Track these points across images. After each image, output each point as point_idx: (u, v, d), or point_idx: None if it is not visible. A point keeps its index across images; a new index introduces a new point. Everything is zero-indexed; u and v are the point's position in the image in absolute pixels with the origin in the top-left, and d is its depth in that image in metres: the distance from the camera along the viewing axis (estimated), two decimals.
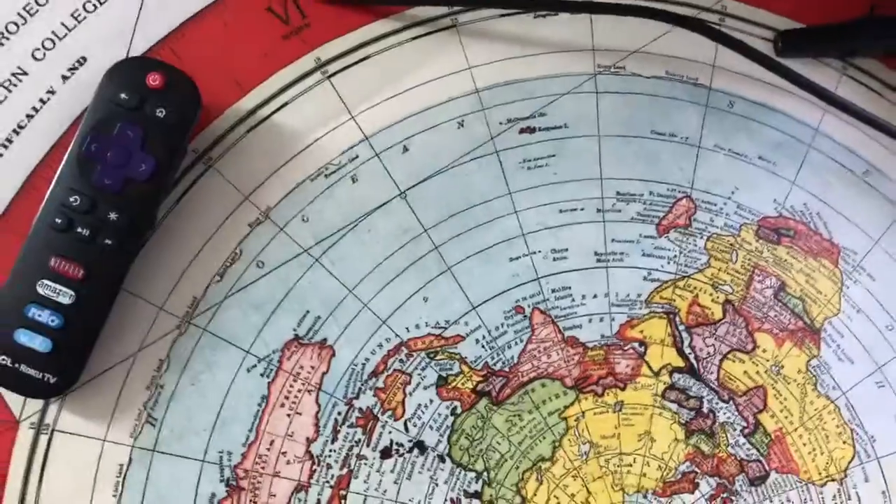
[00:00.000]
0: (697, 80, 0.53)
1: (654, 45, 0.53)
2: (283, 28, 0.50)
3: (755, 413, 0.50)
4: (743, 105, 0.53)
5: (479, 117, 0.51)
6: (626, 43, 0.53)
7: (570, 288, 0.50)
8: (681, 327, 0.50)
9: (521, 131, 0.51)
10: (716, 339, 0.50)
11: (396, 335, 0.49)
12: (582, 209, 0.51)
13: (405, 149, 0.50)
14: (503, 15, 0.52)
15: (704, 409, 0.50)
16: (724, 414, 0.50)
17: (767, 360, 0.50)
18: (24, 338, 0.44)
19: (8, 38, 0.48)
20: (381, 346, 0.48)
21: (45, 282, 0.44)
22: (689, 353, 0.50)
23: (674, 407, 0.50)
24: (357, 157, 0.50)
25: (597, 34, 0.52)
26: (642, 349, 0.50)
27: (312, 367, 0.48)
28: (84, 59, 0.49)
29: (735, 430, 0.50)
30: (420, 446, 0.48)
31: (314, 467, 0.47)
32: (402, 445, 0.48)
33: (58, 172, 0.45)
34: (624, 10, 0.50)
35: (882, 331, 0.51)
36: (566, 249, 0.50)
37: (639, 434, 0.49)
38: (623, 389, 0.49)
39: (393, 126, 0.50)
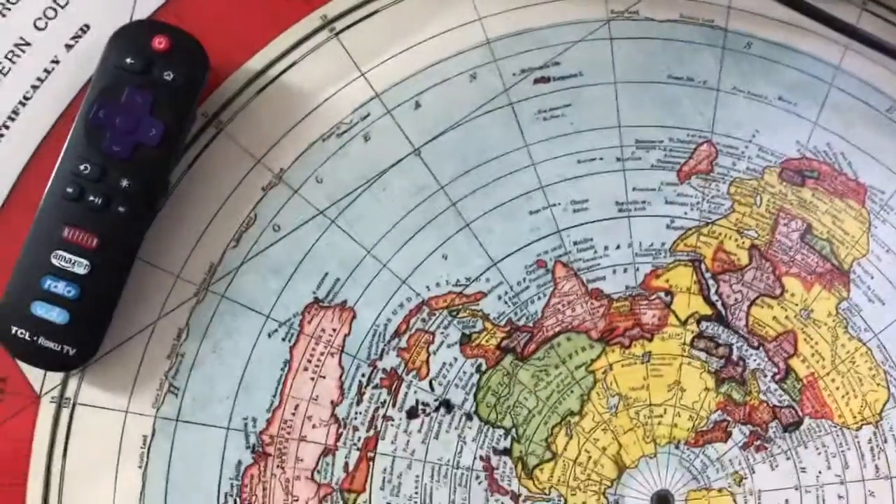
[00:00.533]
0: (713, 22, 0.51)
1: None
2: None
3: (786, 358, 0.49)
4: (761, 46, 0.52)
5: (492, 69, 0.50)
6: None
7: (592, 239, 0.49)
8: (707, 275, 0.49)
9: (536, 81, 0.50)
10: (743, 284, 0.49)
11: (417, 294, 0.48)
12: (601, 159, 0.50)
13: (417, 105, 0.49)
14: None
15: (734, 357, 0.49)
16: (755, 361, 0.49)
17: (796, 305, 0.49)
18: (41, 310, 0.43)
19: (9, 9, 0.47)
20: (402, 305, 0.48)
21: (60, 252, 0.44)
22: (717, 301, 0.49)
23: (703, 356, 0.49)
24: (369, 114, 0.49)
25: None
26: (668, 298, 0.49)
27: (334, 330, 0.47)
28: (87, 26, 0.48)
29: (766, 376, 0.49)
30: (446, 405, 0.47)
31: (340, 430, 0.46)
32: (428, 405, 0.47)
33: (66, 141, 0.44)
34: None
35: None
36: (587, 200, 0.49)
37: (668, 384, 0.48)
38: (650, 340, 0.49)
39: (404, 82, 0.49)
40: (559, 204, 0.49)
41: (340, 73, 0.49)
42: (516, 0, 0.50)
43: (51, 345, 0.44)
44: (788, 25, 0.52)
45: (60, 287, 0.44)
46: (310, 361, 0.47)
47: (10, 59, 0.47)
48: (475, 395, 0.47)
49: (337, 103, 0.49)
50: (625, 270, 0.49)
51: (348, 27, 0.49)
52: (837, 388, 0.49)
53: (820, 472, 0.48)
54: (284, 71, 0.49)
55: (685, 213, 0.50)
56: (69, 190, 0.44)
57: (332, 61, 0.49)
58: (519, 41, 0.50)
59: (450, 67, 0.49)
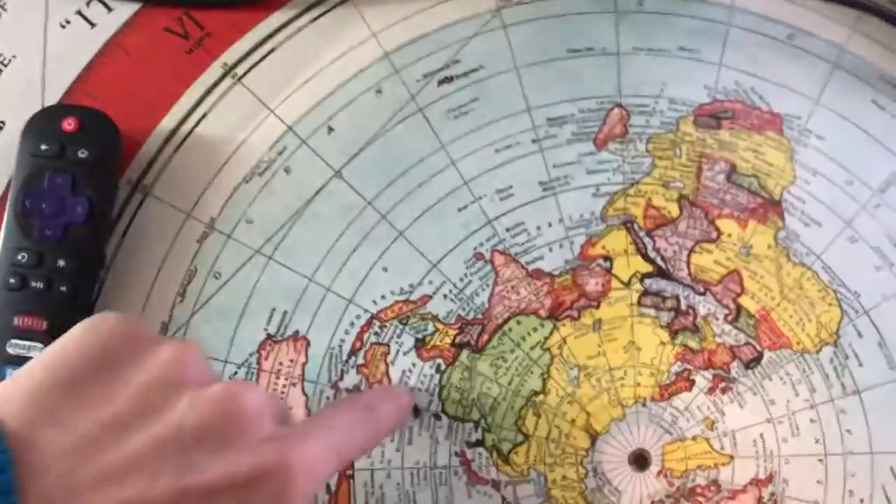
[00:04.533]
0: None
1: None
2: (184, 43, 0.51)
3: (734, 298, 0.50)
4: (653, 2, 0.52)
5: (395, 80, 0.51)
6: None
7: (523, 223, 0.50)
8: (641, 233, 0.50)
9: (440, 83, 0.51)
10: (678, 235, 0.50)
11: (365, 310, 0.49)
12: (517, 143, 0.51)
13: (330, 129, 0.50)
14: None
15: (683, 307, 0.50)
16: (704, 306, 0.50)
17: (735, 244, 0.50)
18: None
19: None
20: (352, 324, 0.49)
21: (14, 341, 0.45)
22: (655, 257, 0.50)
23: (652, 312, 0.50)
24: (285, 148, 0.50)
25: None
26: (608, 264, 0.50)
27: (291, 361, 0.48)
28: (3, 122, 0.50)
29: (718, 319, 0.50)
30: (414, 410, 0.48)
31: None
32: None
33: (1, 236, 0.46)
34: None
35: (842, 187, 0.51)
36: (511, 187, 0.50)
37: (623, 346, 0.49)
38: (598, 307, 0.50)
39: (313, 110, 0.51)
40: (485, 195, 0.50)
41: (251, 114, 0.50)
42: (405, 9, 0.52)
43: None
44: None
45: None
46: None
47: None
48: (440, 395, 0.49)
49: (253, 144, 0.50)
50: (560, 246, 0.50)
51: (249, 70, 0.51)
52: (791, 317, 0.50)
53: (789, 401, 0.49)
54: (197, 124, 0.50)
55: (609, 179, 0.51)
56: (12, 281, 0.46)
57: (240, 105, 0.50)
58: (416, 48, 0.51)
59: (354, 87, 0.51)
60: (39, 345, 0.45)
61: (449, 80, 0.51)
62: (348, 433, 0.37)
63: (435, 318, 0.49)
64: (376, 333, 0.49)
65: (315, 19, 0.51)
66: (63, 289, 0.46)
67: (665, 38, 0.52)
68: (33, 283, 0.46)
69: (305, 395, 0.48)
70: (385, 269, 0.49)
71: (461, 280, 0.50)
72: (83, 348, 0.32)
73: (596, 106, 0.51)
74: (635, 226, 0.50)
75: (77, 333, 0.33)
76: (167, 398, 0.32)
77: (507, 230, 0.50)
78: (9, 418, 0.29)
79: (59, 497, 0.28)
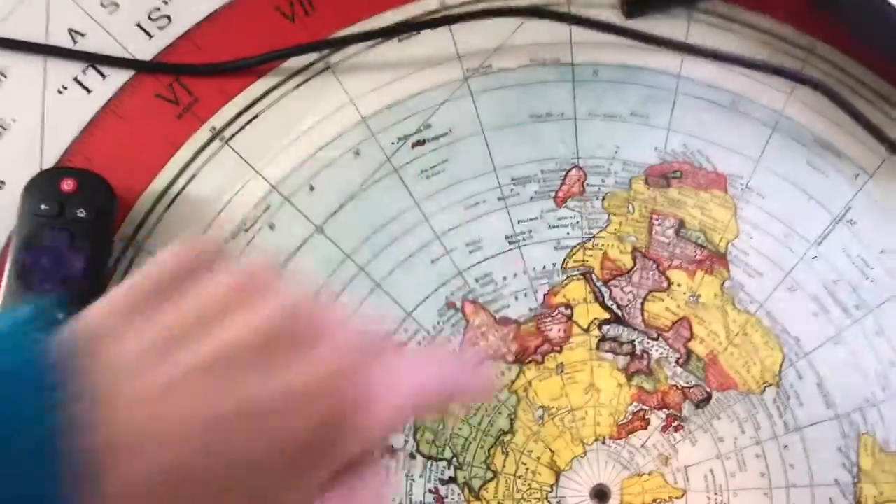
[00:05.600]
0: (560, 60, 0.57)
1: (513, 38, 0.57)
2: (174, 108, 0.55)
3: (685, 343, 0.54)
4: (606, 71, 0.57)
5: (372, 143, 0.55)
6: (488, 43, 0.57)
7: (491, 274, 0.54)
8: (598, 283, 0.55)
9: (413, 145, 0.55)
10: (632, 285, 0.55)
11: None
12: (484, 201, 0.55)
13: (312, 188, 0.54)
14: (370, 46, 0.56)
15: (638, 351, 0.54)
16: (657, 351, 0.54)
17: (684, 293, 0.55)
18: None
19: None
20: None
21: None
22: (612, 305, 0.54)
23: (609, 356, 0.54)
24: (269, 206, 0.54)
25: (459, 42, 0.57)
26: (569, 311, 0.54)
27: None
28: (2, 183, 0.53)
29: (670, 362, 0.54)
30: (390, 450, 0.52)
31: None
32: (372, 454, 0.51)
33: (2, 290, 0.49)
34: (475, 15, 0.55)
35: (781, 240, 0.56)
36: (479, 240, 0.55)
37: (584, 388, 0.53)
38: (560, 352, 0.54)
39: (296, 171, 0.55)
40: (456, 248, 0.54)
41: (237, 174, 0.54)
42: (380, 79, 0.56)
43: None
44: (627, 47, 0.58)
45: None
46: None
47: None
48: (414, 436, 0.52)
49: (239, 202, 0.54)
50: (525, 295, 0.54)
51: (236, 133, 0.55)
52: (737, 360, 0.54)
53: (736, 438, 0.53)
54: (187, 184, 0.54)
55: (568, 234, 0.55)
56: None
57: (227, 166, 0.54)
58: (390, 113, 0.56)
59: (334, 149, 0.55)
60: None
61: (421, 142, 0.56)
62: (429, 387, 0.33)
63: None
64: None
65: (298, 86, 0.55)
66: None
67: (618, 104, 0.57)
68: None
69: None
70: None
71: (434, 327, 0.54)
72: (153, 272, 0.30)
73: (556, 167, 0.56)
74: (593, 276, 0.55)
75: (147, 264, 0.31)
76: (251, 301, 0.30)
77: (477, 280, 0.54)
78: (83, 325, 0.28)
79: (136, 398, 0.27)
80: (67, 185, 0.50)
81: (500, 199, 0.55)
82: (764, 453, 0.53)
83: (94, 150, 0.54)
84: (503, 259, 0.55)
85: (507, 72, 0.57)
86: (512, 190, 0.55)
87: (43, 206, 0.50)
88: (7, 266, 0.50)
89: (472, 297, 0.54)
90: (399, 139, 0.56)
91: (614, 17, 0.58)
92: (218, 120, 0.55)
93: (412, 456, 0.52)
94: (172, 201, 0.53)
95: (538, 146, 0.56)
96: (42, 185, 0.50)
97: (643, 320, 0.54)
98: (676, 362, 0.54)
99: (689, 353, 0.54)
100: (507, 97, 0.57)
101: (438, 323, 0.54)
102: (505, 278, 0.54)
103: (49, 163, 0.53)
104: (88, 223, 0.50)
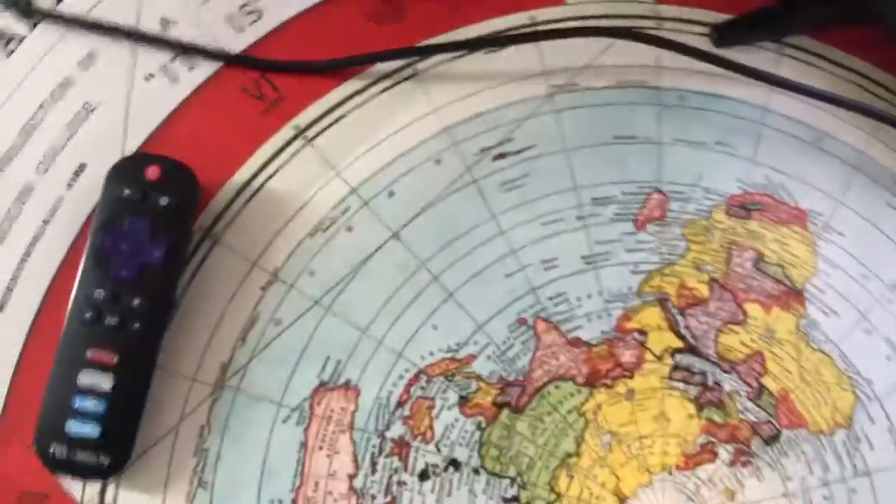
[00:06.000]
0: (647, 83, 0.57)
1: (601, 58, 0.57)
2: (259, 105, 0.55)
3: (757, 377, 0.53)
4: (694, 98, 0.57)
5: (453, 153, 0.55)
6: (575, 61, 0.57)
7: (565, 293, 0.54)
8: (674, 311, 0.54)
9: (494, 158, 0.55)
10: (708, 315, 0.54)
11: (414, 365, 0.52)
12: (563, 219, 0.55)
13: (391, 193, 0.54)
14: (456, 57, 0.56)
15: (710, 383, 0.53)
16: (729, 383, 0.53)
17: (759, 327, 0.54)
18: (75, 427, 0.48)
19: (11, 160, 0.52)
20: (401, 377, 0.52)
21: (86, 372, 0.48)
22: (686, 334, 0.54)
23: (681, 385, 0.53)
24: (349, 208, 0.54)
25: (546, 58, 0.57)
26: (642, 337, 0.53)
27: (342, 409, 0.51)
28: (84, 165, 0.53)
29: (741, 396, 0.53)
30: (454, 464, 0.51)
31: (360, 500, 0.50)
32: (437, 466, 0.51)
33: (79, 271, 0.49)
34: (564, 33, 0.55)
35: (859, 281, 0.55)
36: (555, 258, 0.54)
37: (654, 416, 0.52)
38: (631, 378, 0.53)
39: (376, 175, 0.54)
40: (531, 265, 0.54)
41: (318, 174, 0.54)
42: (465, 89, 0.56)
43: (87, 457, 0.48)
44: (715, 76, 0.57)
45: (90, 404, 0.48)
46: (323, 441, 0.51)
47: (20, 202, 0.52)
48: (479, 451, 0.51)
49: (319, 202, 0.54)
50: (599, 317, 0.54)
51: (319, 133, 0.54)
52: (808, 398, 0.53)
53: (804, 478, 0.52)
54: (267, 180, 0.54)
55: (646, 258, 0.55)
56: (87, 315, 0.48)
57: (309, 165, 0.54)
58: (473, 125, 0.55)
59: (415, 156, 0.55)
60: (110, 378, 0.48)
61: (503, 156, 0.55)
62: None
63: (478, 377, 0.52)
64: (423, 388, 0.52)
65: (384, 91, 0.55)
66: (136, 326, 0.49)
67: (703, 132, 0.57)
68: (108, 320, 0.48)
69: (353, 441, 0.51)
70: (435, 327, 0.53)
71: (504, 343, 0.53)
72: None
73: (637, 190, 0.55)
74: (669, 303, 0.54)
75: None
76: None
77: (550, 298, 0.54)
78: None
79: None
80: (152, 172, 0.50)
81: (578, 218, 0.55)
82: (832, 495, 0.52)
83: (176, 140, 0.53)
84: (578, 279, 0.54)
85: (593, 91, 0.57)
86: (592, 210, 0.55)
87: (126, 192, 0.50)
88: (86, 249, 0.49)
89: (544, 315, 0.53)
90: (481, 151, 0.55)
91: (704, 44, 0.58)
92: (302, 119, 0.55)
93: (476, 471, 0.51)
94: (253, 195, 0.53)
95: (621, 168, 0.56)
96: (127, 170, 0.50)
97: (716, 352, 0.54)
98: (748, 396, 0.53)
99: (762, 388, 0.53)
100: (591, 116, 0.56)
101: (508, 339, 0.53)
102: (579, 298, 0.54)
103: (131, 149, 0.53)
104: (170, 212, 0.50)
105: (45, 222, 0.52)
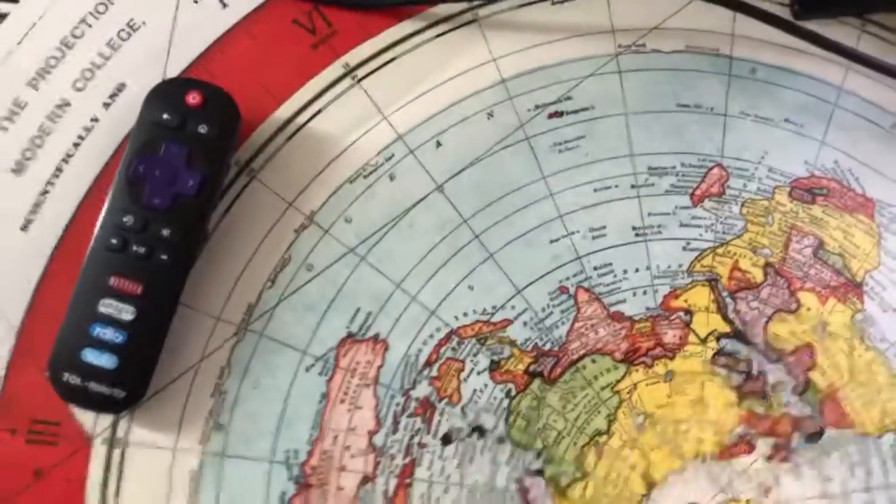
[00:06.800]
0: (718, 51, 0.54)
1: (672, 20, 0.54)
2: (310, 38, 0.52)
3: (805, 371, 0.51)
4: (765, 70, 0.54)
5: (508, 106, 0.52)
6: (644, 21, 0.54)
7: (611, 264, 0.51)
8: (724, 293, 0.51)
9: (550, 116, 0.52)
10: (759, 301, 0.51)
11: (446, 324, 0.50)
12: (616, 186, 0.52)
13: (438, 144, 0.51)
14: (522, 5, 0.53)
15: (754, 372, 0.50)
16: (775, 374, 0.50)
17: (812, 318, 0.51)
18: (91, 356, 0.46)
19: (49, 72, 0.50)
20: (431, 336, 0.50)
21: (107, 300, 0.46)
22: (734, 318, 0.51)
23: (724, 372, 0.50)
24: (393, 155, 0.51)
25: (615, 15, 0.53)
26: (688, 318, 0.51)
27: (368, 362, 0.49)
28: (123, 85, 0.51)
29: (786, 389, 0.50)
30: (479, 430, 0.49)
31: (378, 459, 0.48)
32: (461, 430, 0.49)
33: (109, 195, 0.47)
34: None
35: None
36: (604, 227, 0.51)
37: (692, 401, 0.50)
38: (672, 359, 0.50)
39: (425, 123, 0.52)
40: (578, 231, 0.51)
41: (364, 117, 0.51)
42: (527, 40, 0.53)
43: (101, 389, 0.46)
44: (791, 50, 0.54)
45: (108, 333, 0.46)
46: (346, 394, 0.49)
47: (52, 120, 0.50)
48: (506, 420, 0.49)
49: (362, 146, 0.51)
50: (644, 293, 0.51)
51: (369, 74, 0.52)
52: (857, 398, 0.50)
53: (845, 481, 0.50)
54: (311, 118, 0.51)
55: (700, 235, 0.52)
56: (113, 241, 0.46)
57: (355, 107, 0.51)
58: (532, 79, 0.52)
59: (467, 107, 0.52)
60: (132, 308, 0.46)
61: (559, 114, 0.52)
62: None
63: (512, 343, 0.50)
64: (454, 349, 0.50)
65: (441, 35, 0.52)
66: (163, 257, 0.47)
67: (772, 108, 0.53)
68: (134, 248, 0.46)
69: (377, 397, 0.49)
70: (471, 287, 0.50)
71: (543, 310, 0.50)
72: None
73: (697, 162, 0.52)
74: (719, 285, 0.51)
75: None
76: None
77: (595, 269, 0.51)
78: None
79: None
80: (193, 98, 0.48)
81: (633, 186, 0.52)
82: (873, 502, 0.49)
83: (220, 67, 0.51)
84: (627, 251, 0.51)
85: (660, 54, 0.53)
86: (647, 179, 0.52)
87: (165, 116, 0.47)
88: (117, 172, 0.47)
89: (587, 286, 0.51)
90: (537, 107, 0.52)
91: (783, 15, 0.54)
92: (353, 57, 0.52)
93: (500, 440, 0.49)
94: (294, 133, 0.51)
95: (682, 137, 0.53)
96: (167, 93, 0.48)
97: (765, 340, 0.51)
98: (793, 390, 0.50)
99: (808, 382, 0.50)
100: (656, 80, 0.53)
101: (547, 306, 0.51)
102: (625, 271, 0.51)
103: (173, 72, 0.51)
104: (209, 141, 0.47)
105: (80, 140, 0.50)
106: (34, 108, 0.50)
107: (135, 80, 0.50)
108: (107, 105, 0.50)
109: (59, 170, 0.49)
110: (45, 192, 0.49)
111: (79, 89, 0.50)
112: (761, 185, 0.52)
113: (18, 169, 0.49)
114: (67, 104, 0.50)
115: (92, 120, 0.50)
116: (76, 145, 0.50)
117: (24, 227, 0.49)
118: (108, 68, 0.51)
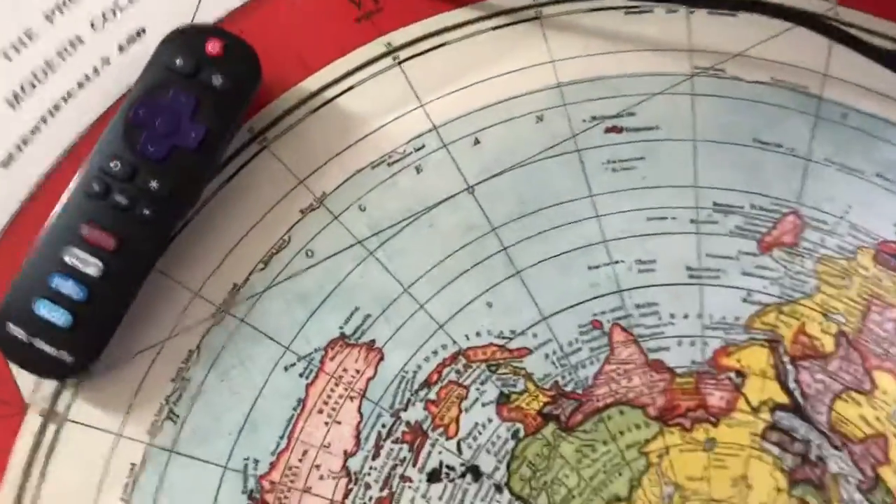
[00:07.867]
0: (807, 89, 0.47)
1: (759, 48, 0.48)
2: (354, 11, 0.47)
3: (874, 466, 0.42)
4: (858, 118, 0.47)
5: (561, 112, 0.46)
6: (727, 45, 0.48)
7: (657, 304, 0.44)
8: (785, 358, 0.43)
9: (607, 130, 0.46)
10: (826, 374, 0.43)
11: (454, 342, 0.43)
12: (673, 218, 0.45)
13: (476, 141, 0.45)
14: (592, 9, 0.48)
15: (812, 456, 0.42)
16: (837, 463, 0.42)
17: (889, 405, 0.43)
18: (44, 309, 0.40)
19: (67, 6, 0.46)
20: (435, 353, 0.43)
21: (74, 249, 0.40)
22: (795, 389, 0.43)
23: (776, 450, 0.42)
24: (424, 146, 0.45)
25: (694, 34, 0.48)
26: (739, 380, 0.43)
27: (357, 371, 0.42)
28: (143, 30, 0.46)
29: (850, 483, 0.42)
30: (474, 472, 0.41)
31: (350, 486, 0.41)
32: (453, 469, 0.41)
33: (101, 136, 0.42)
34: (727, 3, 0.46)
35: None
36: (654, 261, 0.44)
37: (733, 478, 0.42)
38: (715, 425, 0.42)
39: (465, 117, 0.46)
40: (623, 261, 0.44)
41: (399, 101, 0.46)
42: (592, 46, 0.47)
43: (47, 348, 0.40)
44: (891, 100, 0.47)
45: (68, 287, 0.40)
46: (326, 403, 0.42)
47: (60, 55, 0.45)
48: (508, 465, 0.41)
49: (392, 132, 0.46)
50: (692, 343, 0.43)
51: (412, 57, 0.47)
52: None
53: None
54: (341, 94, 0.46)
55: (764, 288, 0.44)
56: (95, 186, 0.41)
57: (391, 89, 0.46)
58: (592, 88, 0.47)
59: (516, 107, 0.46)
60: (99, 263, 0.40)
61: (618, 129, 0.46)
62: None
63: (529, 377, 0.43)
64: (458, 372, 0.42)
65: (497, 28, 0.47)
66: (145, 212, 0.41)
67: (863, 160, 0.46)
68: (116, 197, 0.41)
69: (361, 414, 0.42)
70: (489, 305, 0.43)
71: (570, 344, 0.43)
72: None
73: (770, 206, 0.45)
74: (781, 348, 0.43)
75: None
76: None
77: (637, 306, 0.44)
78: None
79: None
80: (213, 46, 0.43)
81: (692, 221, 0.45)
82: None
83: (252, 25, 0.46)
84: (677, 292, 0.44)
85: (740, 82, 0.47)
86: (710, 216, 0.45)
87: (178, 62, 0.43)
88: (117, 114, 0.42)
89: (625, 325, 0.44)
90: (593, 118, 0.46)
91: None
92: (397, 37, 0.47)
93: (498, 488, 0.41)
94: (319, 107, 0.45)
95: (756, 176, 0.46)
96: (185, 38, 0.43)
97: (829, 420, 0.42)
98: (859, 486, 0.42)
99: (878, 479, 0.42)
100: (733, 110, 0.47)
101: (575, 340, 0.43)
102: (672, 315, 0.44)
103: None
104: (222, 95, 0.42)
105: (85, 80, 0.45)
106: (45, 39, 0.45)
107: (157, 27, 0.46)
108: (122, 48, 0.46)
109: (56, 107, 0.45)
110: (37, 128, 0.44)
111: (95, 28, 0.46)
112: (842, 242, 0.45)
113: (13, 101, 0.44)
114: (81, 41, 0.46)
115: (103, 61, 0.45)
116: (80, 85, 0.45)
117: (6, 163, 0.44)
118: (131, 11, 0.46)
